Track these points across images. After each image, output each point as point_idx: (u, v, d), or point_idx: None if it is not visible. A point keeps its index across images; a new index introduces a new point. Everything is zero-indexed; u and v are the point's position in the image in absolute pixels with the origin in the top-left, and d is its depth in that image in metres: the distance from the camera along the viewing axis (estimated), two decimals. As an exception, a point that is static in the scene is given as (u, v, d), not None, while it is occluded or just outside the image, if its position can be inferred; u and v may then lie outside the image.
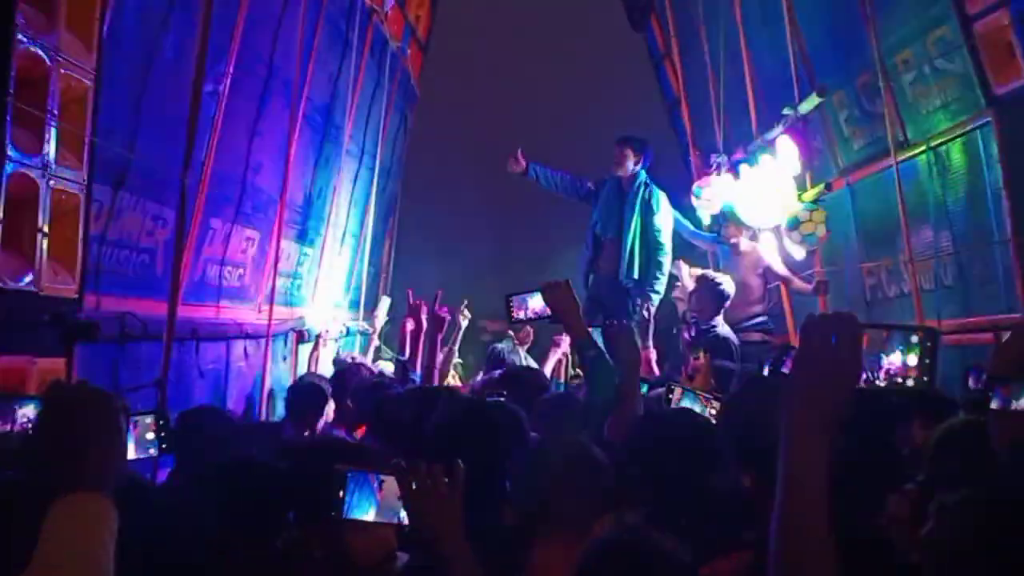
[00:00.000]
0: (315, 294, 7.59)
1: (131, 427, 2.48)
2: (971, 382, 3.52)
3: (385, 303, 7.38)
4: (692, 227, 7.31)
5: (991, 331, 4.50)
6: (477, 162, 9.65)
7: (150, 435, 2.58)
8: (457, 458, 2.00)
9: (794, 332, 7.11)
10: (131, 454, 2.43)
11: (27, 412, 1.76)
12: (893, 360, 1.52)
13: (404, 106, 9.76)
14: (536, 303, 3.21)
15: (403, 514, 1.91)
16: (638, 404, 3.12)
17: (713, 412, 3.10)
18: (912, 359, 1.52)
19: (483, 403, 3.12)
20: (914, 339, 1.52)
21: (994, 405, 2.64)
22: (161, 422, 2.60)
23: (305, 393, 4.81)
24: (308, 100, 6.46)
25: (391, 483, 1.90)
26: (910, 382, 1.52)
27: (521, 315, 3.27)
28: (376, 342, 6.89)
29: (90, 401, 1.41)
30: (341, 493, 1.82)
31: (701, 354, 4.58)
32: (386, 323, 7.35)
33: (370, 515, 1.89)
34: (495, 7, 9.79)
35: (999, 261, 4.67)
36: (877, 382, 1.52)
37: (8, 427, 1.76)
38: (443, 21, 10.08)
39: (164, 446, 2.60)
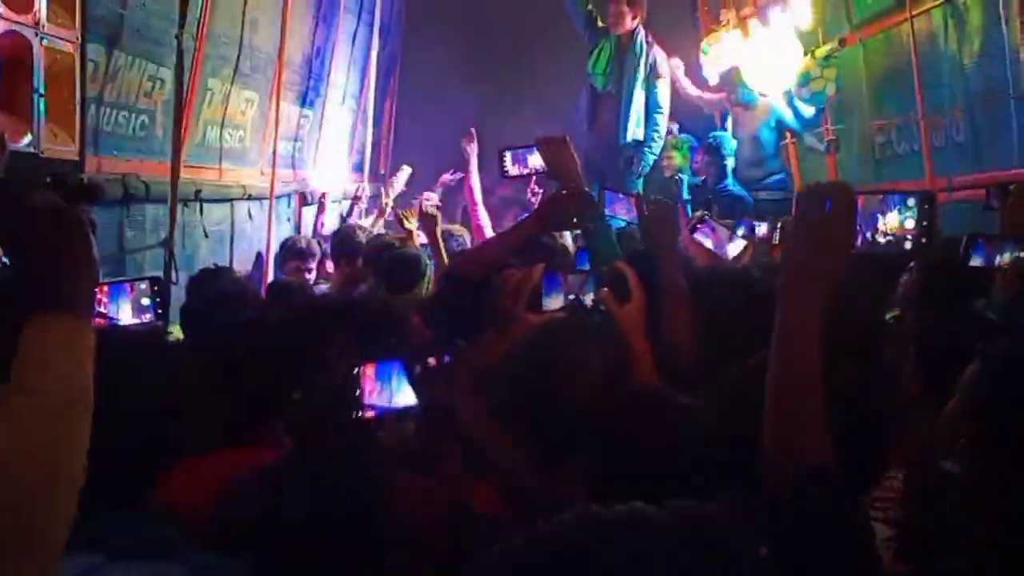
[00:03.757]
0: (317, 157, 7.51)
1: (129, 291, 2.35)
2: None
3: (405, 172, 7.25)
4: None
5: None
6: (476, 20, 9.34)
7: (145, 300, 2.38)
8: None
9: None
10: (128, 318, 2.31)
11: None
12: (889, 220, 1.52)
13: (402, -40, 9.41)
14: (534, 158, 2.95)
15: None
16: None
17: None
18: (909, 223, 1.53)
19: None
20: (911, 202, 1.53)
21: (975, 263, 2.65)
22: (156, 287, 2.41)
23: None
24: (303, -48, 6.23)
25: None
26: (907, 244, 1.53)
27: (516, 171, 3.04)
28: (389, 208, 6.70)
29: (51, 213, 1.24)
30: (357, 392, 1.74)
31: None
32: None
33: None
34: None
35: (1014, 117, 4.59)
36: (877, 238, 1.52)
37: None
38: None
39: (160, 311, 2.42)
